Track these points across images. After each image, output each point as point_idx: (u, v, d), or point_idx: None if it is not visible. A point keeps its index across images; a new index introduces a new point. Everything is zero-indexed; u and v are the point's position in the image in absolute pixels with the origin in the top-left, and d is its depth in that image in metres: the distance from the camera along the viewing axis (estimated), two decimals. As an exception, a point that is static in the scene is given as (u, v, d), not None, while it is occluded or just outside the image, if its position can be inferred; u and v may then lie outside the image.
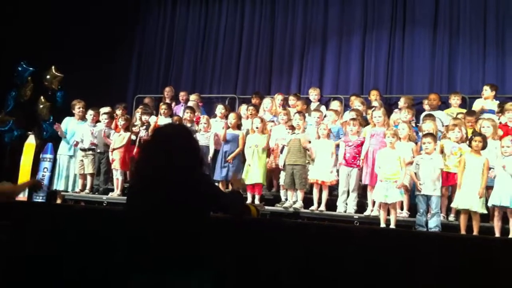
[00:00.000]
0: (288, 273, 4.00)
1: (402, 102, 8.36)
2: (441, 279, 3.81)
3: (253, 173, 7.37)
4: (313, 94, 9.17)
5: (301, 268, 4.00)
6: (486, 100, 7.98)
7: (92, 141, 8.28)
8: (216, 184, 7.35)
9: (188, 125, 8.35)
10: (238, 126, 8.02)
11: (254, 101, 9.40)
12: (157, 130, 3.49)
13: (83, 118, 8.68)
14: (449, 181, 6.48)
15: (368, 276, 3.93)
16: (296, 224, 5.17)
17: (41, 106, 9.88)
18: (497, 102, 7.85)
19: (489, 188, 6.23)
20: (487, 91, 8.03)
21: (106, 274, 4.23)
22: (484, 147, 6.25)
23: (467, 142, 6.47)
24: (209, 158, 7.79)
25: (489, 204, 6.05)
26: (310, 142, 7.21)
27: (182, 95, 10.00)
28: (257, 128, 7.54)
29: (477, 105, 8.02)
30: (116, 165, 8.05)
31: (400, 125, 6.98)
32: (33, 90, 10.15)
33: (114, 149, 8.12)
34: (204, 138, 7.90)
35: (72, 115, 8.80)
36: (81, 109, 8.72)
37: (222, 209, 3.40)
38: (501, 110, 7.36)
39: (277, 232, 4.16)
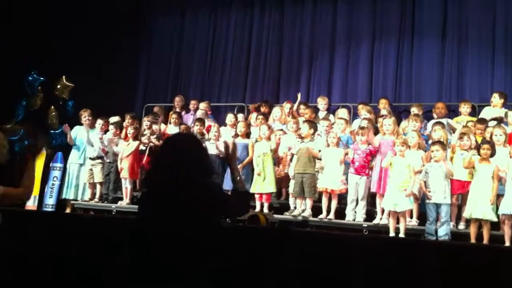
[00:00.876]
0: (294, 281, 3.99)
1: (416, 110, 8.27)
2: (450, 288, 3.79)
3: (263, 182, 7.37)
4: (322, 103, 9.17)
5: (307, 276, 3.99)
6: (495, 107, 7.95)
7: (103, 147, 8.32)
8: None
9: (198, 137, 8.37)
10: (247, 135, 8.01)
11: (263, 109, 9.43)
12: (167, 139, 3.52)
13: (91, 126, 8.74)
14: (459, 190, 6.44)
15: (377, 284, 3.91)
16: (303, 232, 5.16)
17: (51, 115, 9.96)
18: (505, 110, 7.81)
19: (500, 195, 6.18)
20: (495, 98, 8.01)
21: (112, 282, 4.24)
22: (492, 154, 6.22)
23: (476, 150, 6.43)
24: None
25: (499, 213, 6.01)
26: (320, 151, 7.20)
27: (193, 103, 10.03)
28: (264, 134, 7.54)
29: (485, 114, 7.99)
30: (125, 174, 8.08)
31: (410, 134, 6.96)
32: (43, 99, 10.23)
33: (122, 158, 8.17)
34: (214, 147, 7.91)
35: (81, 124, 8.86)
36: (87, 117, 8.78)
37: (230, 215, 3.39)
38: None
39: (284, 240, 4.17)
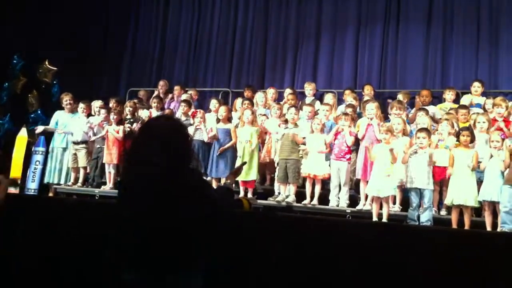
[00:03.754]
0: (280, 266, 4.01)
1: (401, 98, 8.27)
2: (432, 273, 3.83)
3: (246, 170, 7.35)
4: (308, 88, 9.14)
5: (292, 261, 4.00)
6: (474, 96, 8.06)
7: (90, 131, 8.25)
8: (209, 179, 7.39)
9: (183, 118, 8.33)
10: (229, 119, 7.98)
11: (246, 94, 9.41)
12: (148, 122, 3.42)
13: (72, 110, 8.65)
14: (440, 176, 6.48)
15: (359, 269, 3.94)
16: (288, 217, 5.18)
17: (31, 98, 9.89)
18: (484, 98, 7.91)
19: (481, 182, 6.25)
20: (480, 88, 8.09)
21: (97, 269, 4.22)
22: (472, 141, 6.27)
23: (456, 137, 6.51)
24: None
25: (479, 199, 6.08)
26: (304, 138, 7.20)
27: (176, 89, 9.94)
28: (247, 119, 7.51)
29: (466, 100, 8.07)
30: (108, 159, 8.01)
31: (395, 120, 6.97)
32: (25, 83, 10.13)
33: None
34: (199, 133, 7.86)
35: (63, 108, 8.77)
36: (68, 101, 8.68)
37: (210, 205, 3.25)
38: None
39: (270, 225, 4.17)
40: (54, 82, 10.29)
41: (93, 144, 8.34)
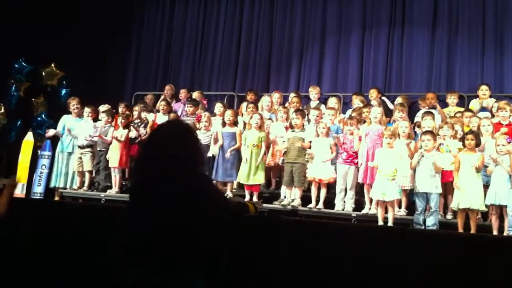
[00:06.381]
0: (284, 270, 4.01)
1: (400, 101, 8.30)
2: (438, 277, 3.82)
3: (252, 174, 7.36)
4: (313, 92, 9.15)
5: (296, 264, 4.00)
6: (482, 99, 8.03)
7: (92, 136, 8.28)
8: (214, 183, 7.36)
9: (190, 117, 8.37)
10: (235, 123, 7.98)
11: (250, 97, 9.43)
12: (156, 128, 3.45)
13: (79, 115, 8.68)
14: (443, 179, 6.43)
15: (364, 273, 3.93)
16: (292, 221, 5.17)
17: (36, 102, 9.92)
18: (493, 100, 7.90)
19: (486, 186, 6.22)
20: (488, 91, 8.06)
21: (101, 271, 4.23)
22: (477, 144, 6.26)
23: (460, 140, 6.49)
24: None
25: (486, 203, 6.05)
26: (310, 142, 7.20)
27: (182, 92, 9.98)
28: (256, 123, 7.52)
29: (475, 106, 8.04)
30: (113, 163, 8.03)
31: (401, 123, 6.95)
32: (30, 87, 10.17)
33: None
34: (205, 137, 7.86)
35: (70, 112, 8.80)
36: (75, 105, 8.70)
37: (218, 211, 3.25)
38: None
39: (274, 229, 4.17)
40: (64, 84, 10.32)
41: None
